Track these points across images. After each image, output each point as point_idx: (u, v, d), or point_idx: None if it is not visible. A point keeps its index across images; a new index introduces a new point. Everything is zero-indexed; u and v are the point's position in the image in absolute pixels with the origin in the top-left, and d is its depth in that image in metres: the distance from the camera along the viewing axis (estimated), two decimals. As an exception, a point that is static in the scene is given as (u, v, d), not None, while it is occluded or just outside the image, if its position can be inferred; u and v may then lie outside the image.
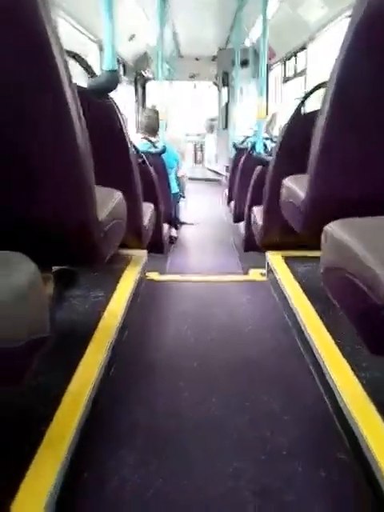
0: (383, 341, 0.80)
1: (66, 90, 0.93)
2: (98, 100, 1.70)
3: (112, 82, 1.75)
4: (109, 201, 1.35)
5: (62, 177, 1.05)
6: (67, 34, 4.03)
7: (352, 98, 1.12)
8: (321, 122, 1.19)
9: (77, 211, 1.12)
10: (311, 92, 2.01)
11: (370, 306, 0.77)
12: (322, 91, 1.20)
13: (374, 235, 0.90)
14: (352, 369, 1.24)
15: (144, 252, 2.30)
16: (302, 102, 2.08)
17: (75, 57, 1.54)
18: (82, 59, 1.59)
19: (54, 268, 1.78)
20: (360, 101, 1.12)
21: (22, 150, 0.99)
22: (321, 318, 1.55)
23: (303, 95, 2.11)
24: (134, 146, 2.38)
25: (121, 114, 1.78)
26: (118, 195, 1.46)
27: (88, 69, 1.65)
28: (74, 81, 0.97)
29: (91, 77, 1.68)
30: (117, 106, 1.76)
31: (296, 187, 1.52)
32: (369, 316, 0.81)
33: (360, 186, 1.23)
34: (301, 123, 1.99)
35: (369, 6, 1.00)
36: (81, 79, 1.69)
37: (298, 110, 2.07)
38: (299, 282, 1.88)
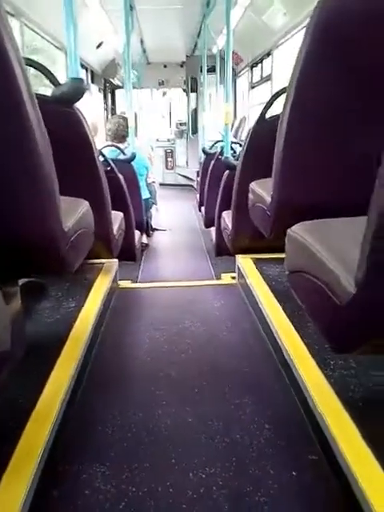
0: (345, 340, 0.82)
1: (26, 100, 0.92)
2: (62, 109, 1.68)
3: (77, 90, 1.73)
4: (75, 210, 1.34)
5: (25, 188, 1.04)
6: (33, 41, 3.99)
7: (311, 102, 1.15)
8: (282, 127, 1.21)
9: (41, 222, 1.11)
10: (274, 97, 2.04)
11: (331, 306, 0.79)
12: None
13: (335, 237, 0.93)
14: (320, 369, 1.26)
15: (115, 261, 2.29)
16: (266, 107, 2.11)
17: (35, 65, 1.53)
18: (44, 67, 1.58)
19: (22, 280, 1.75)
20: (318, 105, 1.14)
21: None
22: (289, 319, 1.57)
23: (268, 100, 2.14)
24: (102, 154, 2.37)
25: (86, 123, 1.77)
26: (84, 205, 1.44)
27: (50, 77, 1.64)
28: (35, 89, 0.96)
29: (55, 85, 1.67)
30: (82, 115, 1.74)
31: (262, 191, 1.54)
32: (330, 316, 0.83)
33: (321, 190, 1.26)
34: (266, 127, 2.02)
35: (324, 12, 1.02)
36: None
37: (263, 114, 2.10)
38: (268, 285, 1.90)
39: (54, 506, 0.98)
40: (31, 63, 1.47)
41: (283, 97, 1.97)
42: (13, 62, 0.86)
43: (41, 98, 0.99)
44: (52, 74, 1.61)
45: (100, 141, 4.27)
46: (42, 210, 1.08)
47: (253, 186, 1.71)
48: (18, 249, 1.13)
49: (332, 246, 0.86)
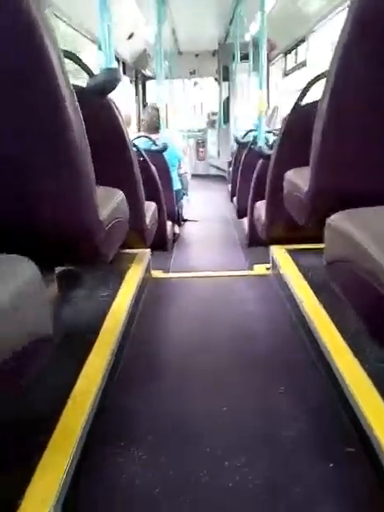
0: (389, 333, 0.79)
1: (64, 90, 0.93)
2: (96, 100, 1.69)
3: (111, 80, 1.74)
4: (110, 200, 1.35)
5: (62, 178, 1.05)
6: (65, 33, 4.03)
7: (350, 89, 1.11)
8: (320, 114, 1.18)
9: (78, 212, 1.12)
10: (311, 84, 1.99)
11: (376, 298, 0.76)
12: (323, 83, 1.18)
13: (378, 226, 0.89)
14: (358, 361, 1.23)
15: (147, 250, 2.30)
16: (303, 94, 2.06)
17: (72, 57, 1.54)
18: (79, 59, 1.59)
19: (58, 269, 1.78)
20: (358, 92, 1.11)
21: (21, 153, 0.98)
22: (326, 310, 1.54)
23: (303, 87, 2.09)
24: (135, 145, 2.38)
25: (120, 113, 1.78)
26: (119, 194, 1.45)
27: (86, 68, 1.65)
28: (71, 81, 0.97)
29: (89, 76, 1.68)
30: (116, 105, 1.75)
31: (298, 180, 1.50)
32: (374, 308, 0.80)
33: (362, 177, 1.22)
34: (301, 115, 1.98)
35: None
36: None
37: (298, 102, 2.06)
38: (303, 275, 1.87)
39: (92, 489, 1.00)
40: (68, 55, 1.48)
41: (319, 84, 1.93)
42: (51, 53, 0.87)
43: (76, 89, 1.00)
44: (87, 65, 1.62)
45: (132, 132, 4.29)
46: (79, 199, 1.10)
47: (288, 174, 1.68)
48: (55, 238, 1.15)
49: (376, 234, 0.82)
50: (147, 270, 2.23)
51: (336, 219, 0.98)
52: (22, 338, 0.69)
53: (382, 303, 0.74)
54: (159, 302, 2.02)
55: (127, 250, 2.23)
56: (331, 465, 1.03)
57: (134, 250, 2.26)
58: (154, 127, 4.05)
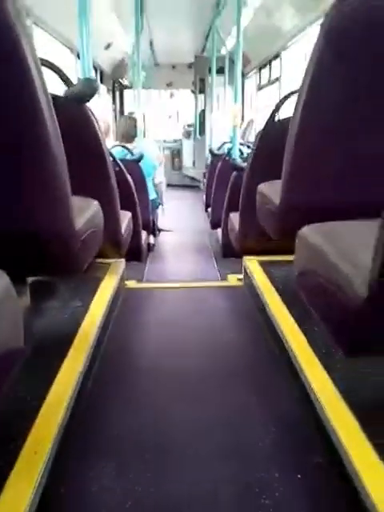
0: (355, 343, 0.82)
1: (41, 99, 0.93)
2: (74, 109, 1.69)
3: (89, 89, 1.74)
4: (85, 210, 1.34)
5: (38, 187, 1.05)
6: (42, 42, 4.02)
7: (323, 104, 1.15)
8: (293, 129, 1.21)
9: (53, 221, 1.12)
10: (284, 99, 2.04)
11: (342, 309, 0.79)
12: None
13: (346, 239, 0.93)
14: (327, 372, 1.26)
15: (122, 260, 2.30)
16: (276, 109, 2.12)
17: (50, 65, 1.54)
18: (58, 68, 1.59)
19: (30, 279, 1.76)
20: (331, 107, 1.15)
21: None
22: (296, 321, 1.57)
23: (277, 102, 2.15)
24: (111, 154, 2.38)
25: (97, 123, 1.78)
26: (94, 204, 1.45)
27: (64, 77, 1.65)
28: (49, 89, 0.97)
29: (67, 85, 1.68)
30: (93, 115, 1.76)
31: (270, 193, 1.54)
32: (341, 319, 0.83)
33: (332, 191, 1.26)
34: (275, 130, 2.03)
35: (339, 14, 1.03)
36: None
37: (272, 116, 2.11)
38: (275, 287, 1.90)
39: (62, 504, 0.99)
40: (46, 63, 1.48)
41: (292, 99, 1.99)
42: (29, 61, 0.87)
43: (53, 97, 1.00)
44: (65, 74, 1.62)
45: (110, 141, 4.29)
46: (54, 208, 1.09)
47: (261, 187, 1.71)
48: (28, 247, 1.14)
49: (344, 248, 0.86)
50: (121, 280, 2.22)
51: (306, 232, 1.01)
52: None
53: (347, 315, 0.77)
54: (133, 311, 2.02)
55: (101, 260, 2.22)
56: (299, 476, 1.05)
57: (109, 260, 2.25)
58: (130, 136, 4.06)
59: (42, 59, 1.00)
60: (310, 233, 1.00)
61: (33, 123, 0.95)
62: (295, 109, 1.20)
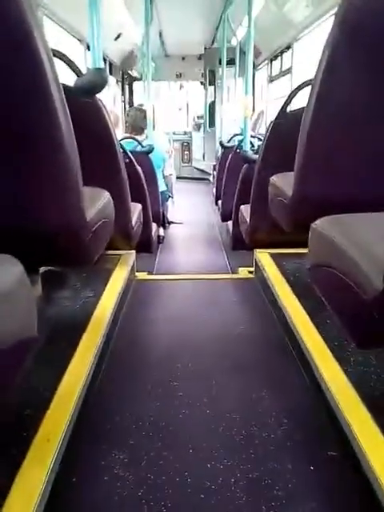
0: (369, 335, 0.82)
1: (53, 89, 0.92)
2: (84, 99, 1.69)
3: (99, 80, 1.73)
4: (97, 201, 1.34)
5: (49, 177, 1.05)
6: (52, 33, 4.00)
7: (336, 95, 1.13)
8: (306, 120, 1.20)
9: (64, 212, 1.12)
10: (296, 90, 2.02)
11: (357, 302, 0.78)
12: (309, 89, 1.21)
13: (361, 231, 0.91)
14: (339, 364, 1.25)
15: (132, 252, 2.30)
16: (288, 101, 2.09)
17: (61, 56, 1.53)
18: (68, 59, 1.58)
19: (42, 269, 1.77)
20: (344, 99, 1.13)
21: (8, 152, 0.98)
22: (308, 314, 1.56)
23: (289, 93, 2.12)
24: (121, 146, 2.38)
25: (108, 114, 1.77)
26: (105, 195, 1.45)
27: (74, 68, 1.64)
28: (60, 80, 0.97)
29: (78, 76, 1.67)
30: (104, 106, 1.75)
31: (283, 185, 1.53)
32: (355, 311, 0.82)
33: (346, 183, 1.25)
34: (287, 121, 2.01)
35: (353, 4, 1.01)
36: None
37: (284, 108, 2.08)
38: (287, 279, 1.89)
39: (74, 492, 1.00)
40: (57, 54, 1.48)
41: (304, 91, 1.96)
42: (41, 52, 0.87)
43: (64, 88, 1.00)
44: (76, 65, 1.62)
45: (120, 133, 4.28)
46: (66, 199, 1.09)
47: (273, 179, 1.70)
48: (40, 237, 1.14)
49: (359, 240, 0.85)
50: (132, 272, 2.23)
51: (320, 225, 1.00)
52: (6, 338, 0.69)
53: (362, 307, 0.77)
54: (143, 303, 2.02)
55: (112, 251, 2.22)
56: (312, 468, 1.05)
57: (119, 251, 2.25)
58: (139, 128, 4.04)
59: (53, 50, 1.00)
60: (323, 225, 0.99)
61: (45, 114, 0.95)
62: (308, 100, 1.18)
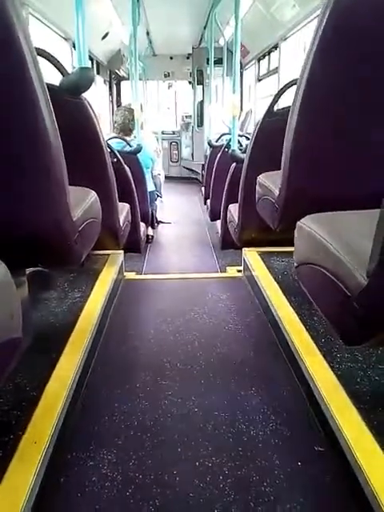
0: (355, 332, 0.82)
1: (37, 89, 0.92)
2: (71, 99, 1.67)
3: (85, 80, 1.72)
4: (83, 201, 1.34)
5: (35, 177, 1.04)
6: (37, 31, 3.97)
7: (321, 94, 1.14)
8: (292, 119, 1.20)
9: (51, 211, 1.11)
10: (283, 89, 2.03)
11: (342, 299, 0.79)
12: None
13: (345, 229, 0.92)
14: (326, 360, 1.26)
15: (121, 252, 2.29)
16: (275, 100, 2.10)
17: (46, 55, 1.52)
18: (53, 57, 1.57)
19: (28, 270, 1.75)
20: (329, 97, 1.14)
21: None
22: (296, 312, 1.57)
23: (276, 93, 2.13)
24: (109, 146, 2.37)
25: (94, 113, 1.76)
26: (92, 195, 1.44)
27: (60, 67, 1.63)
28: (45, 79, 0.96)
29: (63, 75, 1.66)
30: (90, 105, 1.74)
31: (270, 184, 1.53)
32: (340, 308, 0.83)
33: (331, 182, 1.26)
34: (274, 120, 2.02)
35: (337, 4, 1.02)
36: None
37: (271, 107, 2.09)
38: (275, 278, 1.90)
39: (62, 493, 0.99)
40: (42, 53, 1.47)
41: (291, 90, 1.97)
42: (25, 51, 0.86)
43: (50, 88, 0.99)
44: (61, 64, 1.61)
45: (106, 132, 4.25)
46: (52, 199, 1.09)
47: (261, 178, 1.71)
48: (26, 238, 1.13)
49: (343, 238, 0.85)
50: (120, 272, 2.22)
51: (306, 223, 1.01)
52: None
53: (347, 304, 0.77)
54: (132, 303, 2.02)
55: (100, 251, 2.22)
56: (299, 463, 1.06)
57: (107, 251, 2.24)
58: (127, 129, 4.02)
59: (37, 49, 0.99)
60: (309, 223, 1.00)
61: (29, 113, 0.94)
62: (294, 98, 1.19)
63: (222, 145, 4.10)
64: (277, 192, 1.41)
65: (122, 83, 8.65)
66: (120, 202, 2.16)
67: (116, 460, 1.07)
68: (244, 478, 1.02)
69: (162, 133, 9.01)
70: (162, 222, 5.13)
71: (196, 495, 0.98)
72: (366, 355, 1.29)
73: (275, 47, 5.34)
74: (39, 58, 0.96)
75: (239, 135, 3.92)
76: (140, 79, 4.41)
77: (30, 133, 0.97)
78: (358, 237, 0.84)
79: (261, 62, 6.40)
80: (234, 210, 2.59)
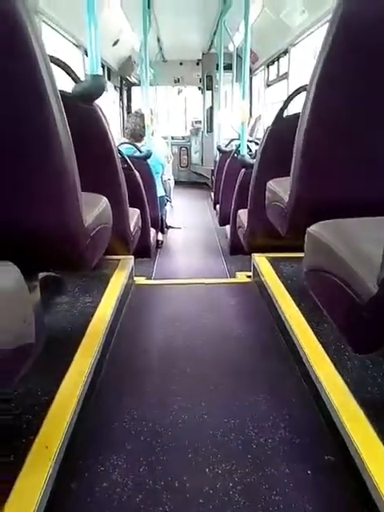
0: (365, 339, 0.82)
1: (50, 96, 0.93)
2: (83, 105, 1.69)
3: (97, 87, 1.74)
4: (95, 206, 1.35)
5: (48, 183, 1.05)
6: (49, 39, 4.02)
7: (332, 100, 1.14)
8: (302, 125, 1.21)
9: (63, 217, 1.12)
10: (292, 95, 2.03)
11: (352, 306, 0.79)
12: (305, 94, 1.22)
13: (356, 236, 0.92)
14: (336, 368, 1.26)
15: (131, 257, 2.31)
16: (284, 106, 2.11)
17: (59, 63, 1.54)
18: (66, 65, 1.59)
19: (40, 275, 1.77)
20: (339, 103, 1.14)
21: (6, 158, 0.98)
22: (305, 318, 1.56)
23: (285, 98, 2.14)
24: (119, 151, 2.39)
25: (106, 120, 1.78)
26: (103, 201, 1.46)
27: (72, 74, 1.65)
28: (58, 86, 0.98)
29: (76, 82, 1.68)
30: (102, 111, 1.76)
31: (280, 190, 1.54)
32: (351, 315, 0.83)
33: (342, 188, 1.25)
34: (283, 126, 2.02)
35: (346, 10, 1.02)
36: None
37: (280, 113, 2.10)
38: (284, 284, 1.90)
39: (72, 498, 1.00)
40: (55, 60, 1.49)
41: (301, 95, 1.98)
42: (39, 59, 0.88)
43: (62, 94, 1.01)
44: (73, 71, 1.63)
45: (117, 138, 4.28)
46: (64, 204, 1.10)
47: (270, 184, 1.71)
48: (40, 244, 1.14)
49: (353, 245, 0.85)
50: (130, 277, 2.23)
51: (316, 229, 1.01)
52: (5, 345, 0.70)
53: (357, 311, 0.77)
54: (142, 308, 2.03)
55: (110, 257, 2.23)
56: (309, 472, 1.05)
57: (118, 257, 2.26)
58: (138, 135, 4.04)
59: (51, 57, 1.01)
60: (319, 230, 1.00)
61: (42, 121, 0.95)
62: (304, 104, 1.19)
63: (232, 150, 4.11)
64: (286, 198, 1.42)
65: (133, 89, 8.72)
66: (130, 207, 2.18)
67: (126, 466, 1.08)
68: (253, 486, 1.02)
69: (172, 138, 9.06)
70: (172, 227, 5.15)
71: (206, 502, 0.98)
72: (377, 362, 1.28)
73: (285, 53, 5.35)
74: (52, 66, 0.98)
75: (248, 141, 3.93)
76: (150, 85, 4.43)
77: (44, 139, 0.98)
78: (368, 244, 0.84)
79: (270, 67, 6.41)
80: (243, 215, 2.60)
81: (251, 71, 7.54)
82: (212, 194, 5.63)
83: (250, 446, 1.14)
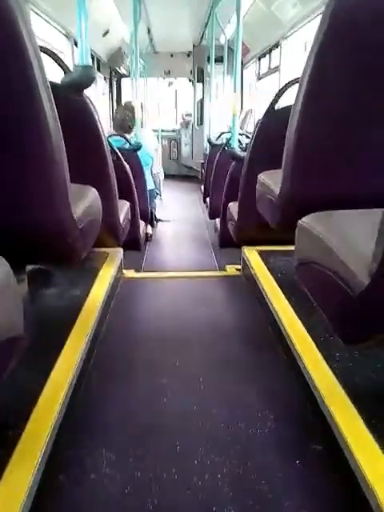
0: (355, 331, 0.83)
1: (40, 86, 0.92)
2: (72, 97, 1.67)
3: (86, 77, 1.72)
4: (84, 198, 1.34)
5: (37, 174, 1.04)
6: (39, 29, 3.96)
7: (323, 94, 1.14)
8: (294, 118, 1.21)
9: (52, 209, 1.11)
10: (284, 88, 2.03)
11: (342, 298, 0.79)
12: (296, 87, 1.22)
13: (346, 228, 0.93)
14: (325, 359, 1.27)
15: (120, 249, 2.29)
16: (276, 98, 2.10)
17: (49, 53, 1.52)
18: (56, 55, 1.57)
19: (29, 267, 1.75)
20: (332, 96, 1.14)
21: None
22: (295, 310, 1.57)
23: (277, 91, 2.13)
24: (109, 143, 2.37)
25: (95, 111, 1.76)
26: (93, 192, 1.44)
27: (62, 65, 1.63)
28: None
29: (65, 73, 1.66)
30: (91, 103, 1.74)
31: (271, 182, 1.53)
32: (341, 307, 0.83)
33: (333, 181, 1.26)
34: (275, 119, 2.02)
35: (338, 5, 1.02)
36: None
37: (272, 105, 2.09)
38: (274, 277, 1.90)
39: (61, 491, 0.99)
40: (44, 50, 1.47)
41: (292, 88, 1.98)
42: (28, 48, 0.86)
43: (51, 85, 0.99)
44: (63, 61, 1.61)
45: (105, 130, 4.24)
46: (53, 196, 1.09)
47: (261, 177, 1.71)
48: (28, 236, 1.13)
49: (345, 237, 0.86)
50: (119, 269, 2.22)
51: (306, 222, 1.01)
52: None
53: (347, 303, 0.78)
54: (131, 301, 2.02)
55: (99, 249, 2.21)
56: (298, 462, 1.06)
57: (107, 249, 2.24)
58: (127, 126, 4.00)
59: (40, 46, 0.99)
60: (310, 222, 1.00)
61: (32, 111, 0.94)
62: (296, 97, 1.19)
63: (222, 143, 4.10)
64: (277, 190, 1.42)
65: (123, 80, 8.64)
66: (120, 199, 2.16)
67: (115, 458, 1.08)
68: (242, 477, 1.02)
69: (162, 131, 9.02)
70: (161, 220, 5.13)
71: (195, 493, 0.98)
72: (365, 354, 1.29)
73: (276, 46, 5.33)
74: (42, 55, 0.96)
75: (239, 134, 3.92)
76: (140, 76, 4.39)
77: (33, 129, 0.97)
78: (359, 236, 0.84)
79: (261, 60, 6.39)
80: (233, 208, 2.59)
81: (242, 64, 7.51)
82: (202, 187, 5.62)
83: (239, 437, 1.15)
